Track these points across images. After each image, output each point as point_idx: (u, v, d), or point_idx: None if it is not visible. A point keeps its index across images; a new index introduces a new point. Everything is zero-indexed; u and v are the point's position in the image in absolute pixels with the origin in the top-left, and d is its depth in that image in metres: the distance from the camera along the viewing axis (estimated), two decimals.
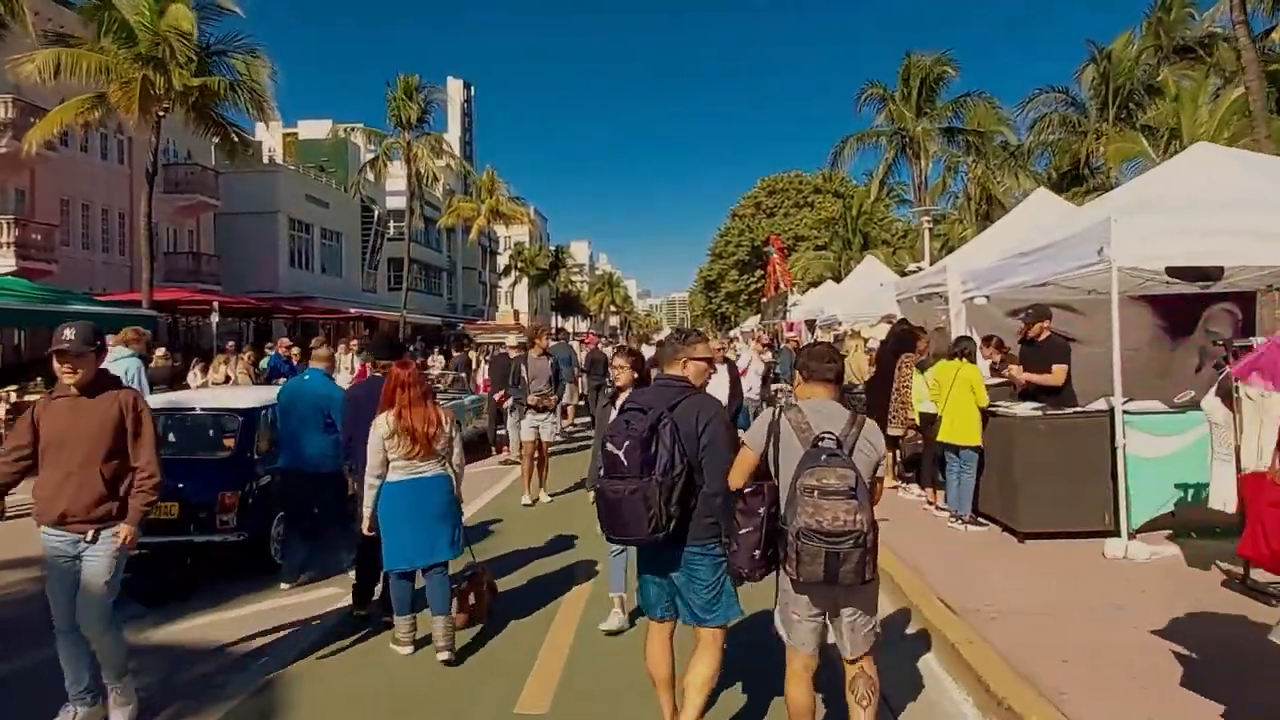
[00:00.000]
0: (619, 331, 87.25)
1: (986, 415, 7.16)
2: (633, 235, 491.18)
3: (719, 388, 8.46)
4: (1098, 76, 30.83)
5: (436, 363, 17.89)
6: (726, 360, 9.99)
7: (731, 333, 43.91)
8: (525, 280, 67.25)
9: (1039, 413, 6.75)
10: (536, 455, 9.78)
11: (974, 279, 8.89)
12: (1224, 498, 5.11)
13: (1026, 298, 9.56)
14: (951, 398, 7.17)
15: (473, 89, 73.23)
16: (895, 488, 9.04)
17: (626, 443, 3.35)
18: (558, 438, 11.05)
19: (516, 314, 37.46)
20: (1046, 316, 7.31)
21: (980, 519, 7.26)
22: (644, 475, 3.30)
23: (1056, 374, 7.21)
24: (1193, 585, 5.54)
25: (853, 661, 3.31)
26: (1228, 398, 5.06)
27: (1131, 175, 20.59)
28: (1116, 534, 6.60)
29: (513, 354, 11.61)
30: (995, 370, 8.08)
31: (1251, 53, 14.05)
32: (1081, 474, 6.61)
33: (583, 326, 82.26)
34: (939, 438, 7.36)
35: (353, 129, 39.72)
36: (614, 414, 4.12)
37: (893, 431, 8.71)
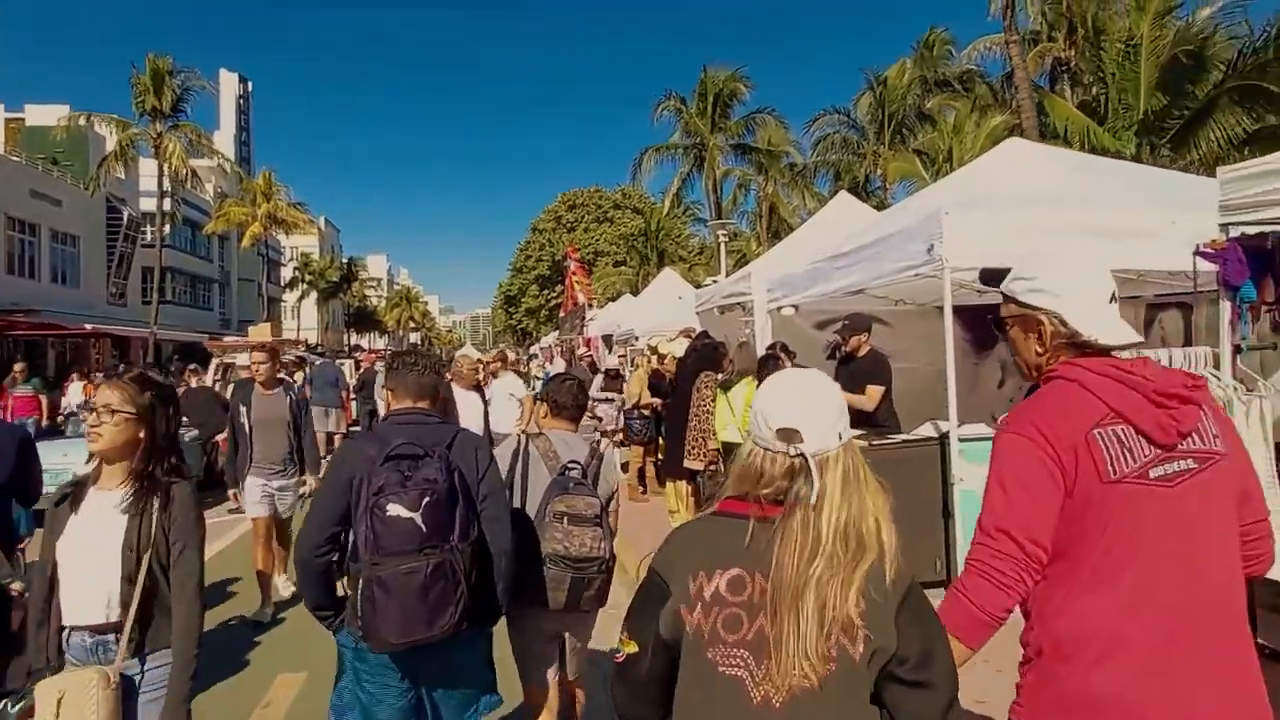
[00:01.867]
0: (420, 347, 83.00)
1: None
2: (437, 251, 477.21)
3: (472, 418, 6.86)
4: (874, 102, 32.41)
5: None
6: (478, 386, 8.48)
7: (532, 349, 42.52)
8: (314, 294, 62.21)
9: (863, 442, 5.66)
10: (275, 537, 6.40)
11: (782, 287, 7.84)
12: None
13: (834, 309, 8.71)
14: None
15: (250, 85, 67.11)
16: None
17: (427, 499, 2.53)
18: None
19: (273, 325, 33.58)
20: (866, 329, 6.31)
21: None
22: (446, 542, 2.57)
23: (870, 395, 6.20)
24: None
25: (573, 681, 3.47)
26: None
27: (905, 195, 21.35)
28: (948, 583, 5.63)
29: (243, 374, 9.23)
30: None
31: (1024, 71, 14.42)
32: (910, 514, 5.56)
33: (380, 343, 77.59)
34: None
35: (94, 118, 34.32)
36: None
37: (691, 464, 7.46)
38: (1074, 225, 5.27)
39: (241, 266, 56.08)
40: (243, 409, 6.14)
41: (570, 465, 3.20)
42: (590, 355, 15.77)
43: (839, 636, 1.40)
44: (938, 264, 5.20)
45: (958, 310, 9.34)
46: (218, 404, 10.89)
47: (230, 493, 6.29)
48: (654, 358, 10.62)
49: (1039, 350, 1.84)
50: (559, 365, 21.67)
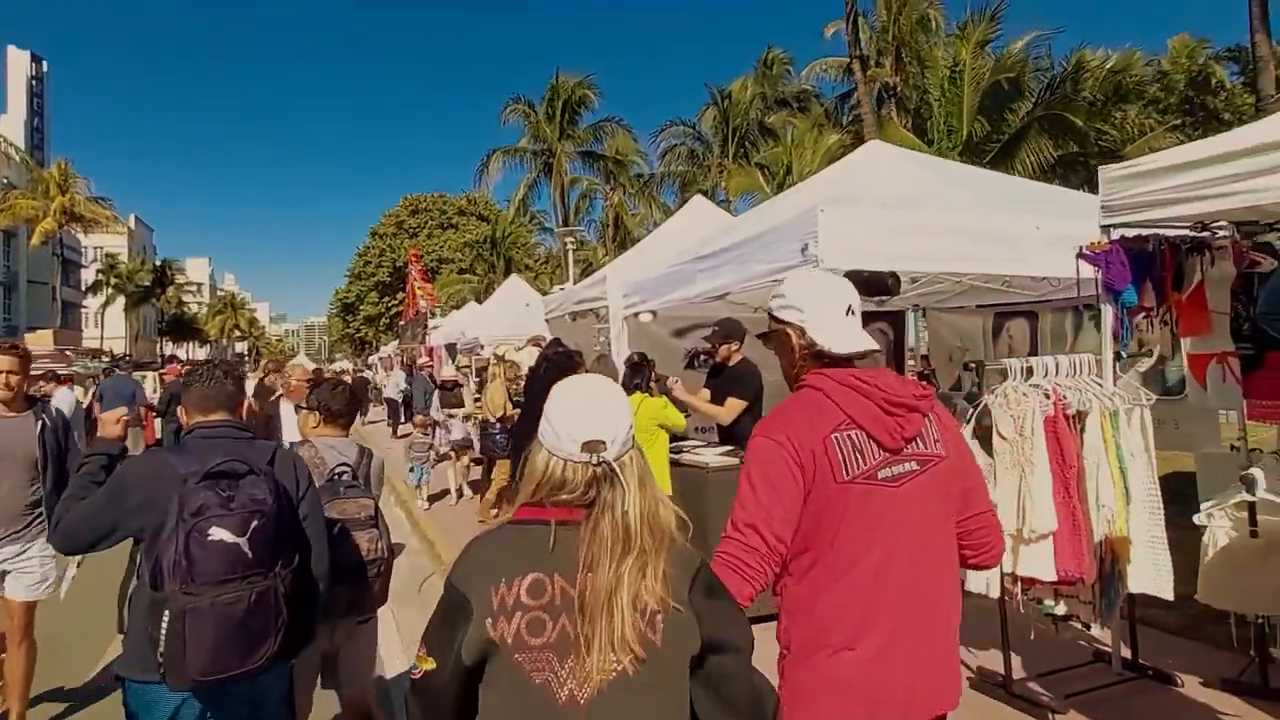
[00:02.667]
0: (247, 359, 77.40)
1: (673, 462, 5.51)
2: (268, 256, 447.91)
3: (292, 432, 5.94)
4: (719, 116, 33.04)
5: None
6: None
7: (370, 359, 40.37)
8: (122, 299, 56.56)
9: (735, 459, 5.22)
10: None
11: (638, 291, 7.35)
12: (985, 580, 3.84)
13: (693, 315, 8.31)
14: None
15: (44, 65, 60.48)
16: None
17: (255, 522, 2.29)
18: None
19: (58, 333, 29.93)
20: (738, 337, 5.87)
21: None
22: (271, 569, 2.33)
23: (727, 408, 5.76)
24: None
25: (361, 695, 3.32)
26: (987, 440, 3.81)
27: (747, 209, 21.76)
28: None
29: None
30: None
31: (865, 86, 14.80)
32: None
33: (201, 353, 71.60)
34: None
35: None
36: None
37: None
38: (944, 226, 5.05)
39: (32, 267, 50.22)
40: None
41: (339, 469, 3.15)
42: (431, 365, 14.76)
43: (648, 623, 1.45)
44: (812, 265, 4.82)
45: None
46: None
47: None
48: (508, 366, 9.89)
49: (791, 361, 1.96)
50: (398, 376, 20.47)
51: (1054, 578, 3.77)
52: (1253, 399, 4.22)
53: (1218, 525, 3.87)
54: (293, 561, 2.43)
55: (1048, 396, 3.84)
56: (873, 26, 24.65)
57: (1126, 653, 4.24)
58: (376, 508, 3.15)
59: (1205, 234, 4.12)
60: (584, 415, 1.52)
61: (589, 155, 35.25)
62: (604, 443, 1.49)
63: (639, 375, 5.50)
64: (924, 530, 1.83)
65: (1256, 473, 3.84)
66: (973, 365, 3.98)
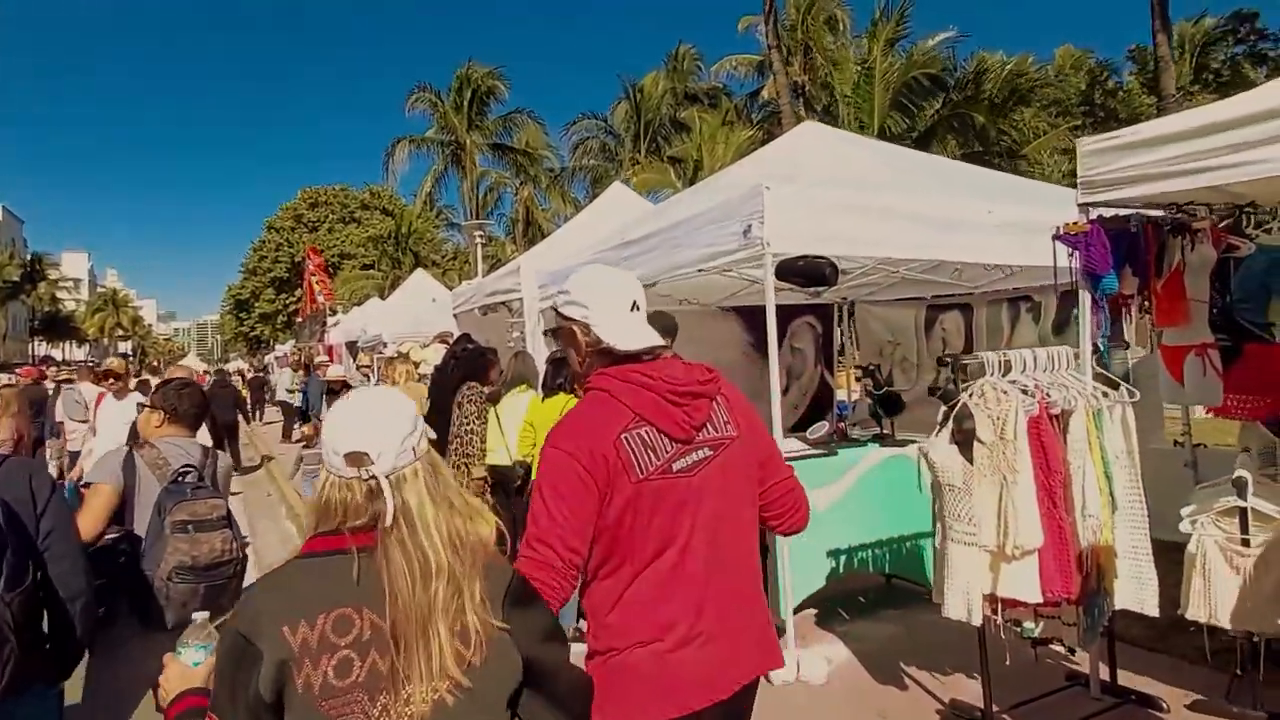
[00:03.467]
0: (131, 359, 72.72)
1: None
2: (155, 251, 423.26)
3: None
4: (631, 109, 32.62)
5: None
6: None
7: (267, 358, 38.33)
8: None
9: None
10: None
11: (557, 281, 6.70)
12: (966, 605, 3.37)
13: None
14: None
15: None
16: None
17: None
18: None
19: None
20: (671, 332, 5.29)
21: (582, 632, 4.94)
22: None
23: None
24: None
25: None
26: (967, 445, 3.35)
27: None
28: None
29: None
30: None
31: (784, 76, 14.52)
32: None
33: (79, 353, 66.78)
34: None
35: None
36: None
37: None
38: (893, 209, 4.63)
39: None
40: None
41: (184, 470, 3.01)
42: (328, 364, 13.73)
43: (468, 646, 1.37)
44: (757, 248, 4.32)
45: (738, 310, 8.85)
46: None
47: None
48: (414, 368, 9.06)
49: (579, 359, 1.94)
50: (286, 377, 19.29)
51: (1039, 599, 3.34)
52: (1228, 393, 3.91)
53: (1207, 535, 3.52)
54: (19, 584, 2.16)
55: (1031, 395, 3.41)
56: (782, 25, 24.62)
57: (1104, 673, 3.87)
58: (228, 508, 3.04)
59: (1182, 215, 3.78)
60: (348, 427, 1.44)
61: (499, 148, 34.27)
62: (367, 455, 1.39)
63: (562, 373, 4.88)
64: (723, 513, 1.83)
65: (1246, 475, 3.51)
66: (949, 359, 3.49)
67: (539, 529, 1.75)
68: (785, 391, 8.78)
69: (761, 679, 4.18)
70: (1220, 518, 3.56)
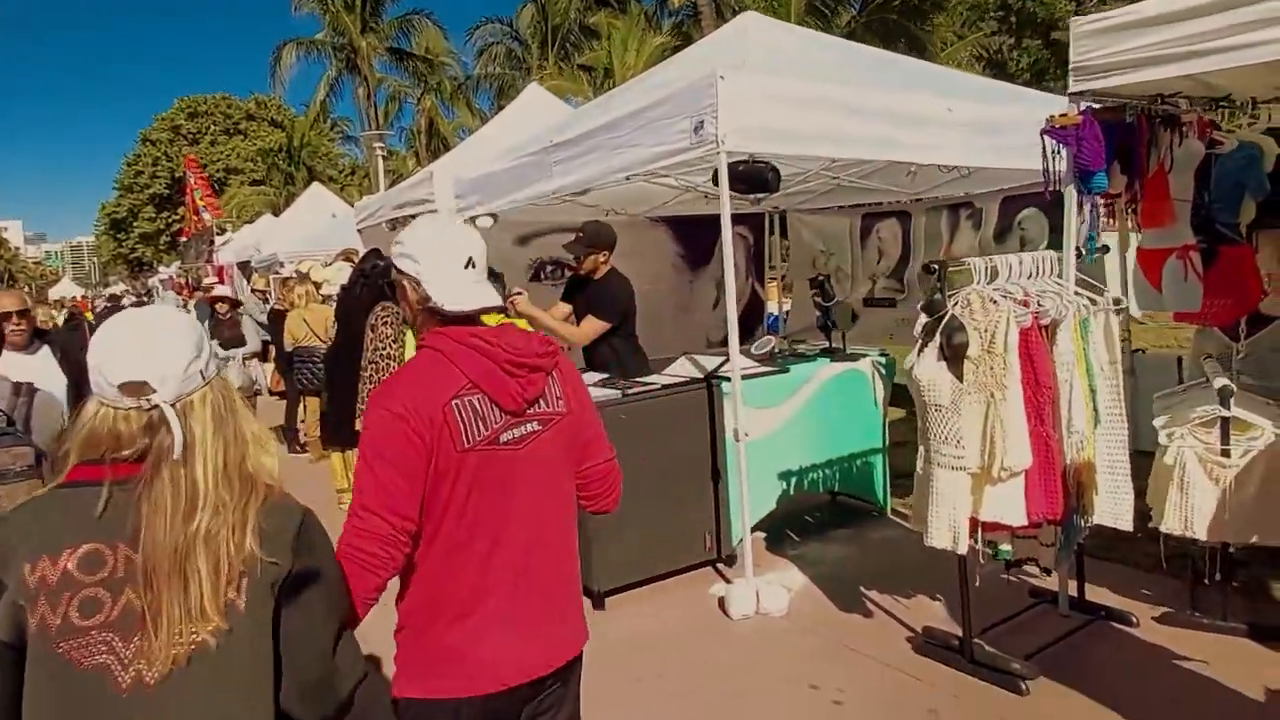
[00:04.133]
0: None
1: None
2: (19, 168, 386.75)
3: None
4: (537, 13, 30.98)
5: None
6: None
7: (151, 281, 35.89)
8: None
9: (615, 392, 4.24)
10: None
11: (475, 191, 6.11)
12: (952, 533, 3.13)
13: (536, 220, 7.21)
14: None
15: None
16: None
17: None
18: None
19: None
20: (607, 245, 4.81)
21: None
22: None
23: (583, 330, 4.74)
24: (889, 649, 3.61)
25: None
26: (957, 361, 3.05)
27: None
28: (719, 560, 4.53)
29: None
30: None
31: None
32: (672, 479, 4.32)
33: None
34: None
35: None
36: None
37: None
38: (858, 104, 4.23)
39: None
40: None
41: None
42: (218, 287, 12.64)
43: (233, 586, 1.28)
44: (710, 147, 3.85)
45: (668, 221, 8.41)
46: None
47: None
48: (315, 289, 8.31)
49: (411, 315, 1.86)
50: (170, 300, 18.00)
51: (1024, 522, 3.13)
52: (1205, 297, 3.74)
53: (1186, 446, 3.37)
54: None
55: (1023, 304, 3.13)
56: None
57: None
58: (39, 455, 2.72)
59: (1168, 107, 3.51)
60: (123, 352, 1.31)
61: (397, 53, 32.19)
62: (147, 384, 1.29)
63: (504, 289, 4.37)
64: (545, 489, 1.80)
65: (1230, 384, 3.35)
66: (935, 266, 3.15)
67: (365, 497, 1.64)
68: (715, 305, 8.49)
69: (721, 614, 3.91)
70: (1198, 429, 3.41)
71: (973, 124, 4.63)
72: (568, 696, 1.87)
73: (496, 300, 1.80)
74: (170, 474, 1.28)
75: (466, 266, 1.76)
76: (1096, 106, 3.35)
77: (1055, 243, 6.13)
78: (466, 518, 1.69)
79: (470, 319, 1.77)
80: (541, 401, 1.79)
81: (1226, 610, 3.49)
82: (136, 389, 1.29)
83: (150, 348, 1.32)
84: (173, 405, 1.30)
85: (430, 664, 1.72)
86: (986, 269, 3.19)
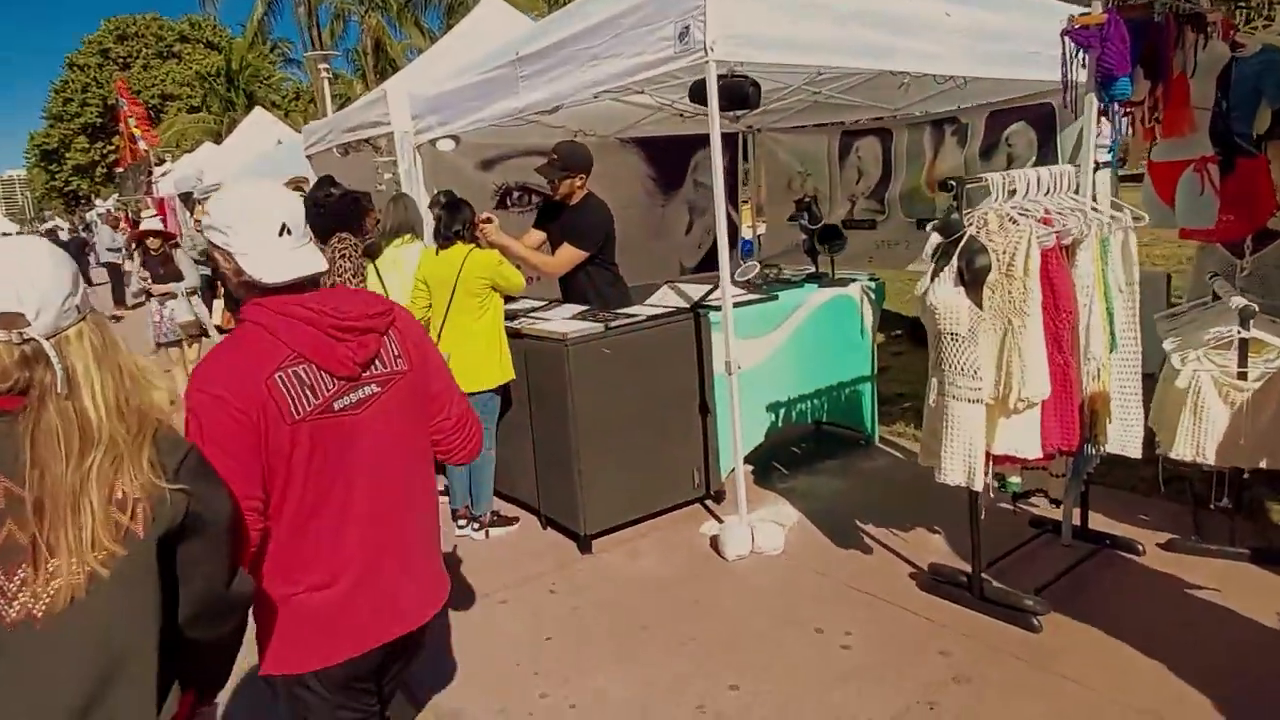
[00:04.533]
0: None
1: (513, 333, 4.17)
2: None
3: None
4: None
5: None
6: None
7: (89, 215, 34.33)
8: None
9: (598, 325, 3.97)
10: None
11: (435, 111, 5.67)
12: (967, 469, 2.96)
13: (500, 143, 6.79)
14: (457, 310, 3.97)
15: None
16: None
17: None
18: None
19: None
20: (582, 167, 4.46)
21: (506, 518, 4.36)
22: None
23: (559, 259, 4.44)
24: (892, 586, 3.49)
25: None
26: (976, 286, 2.83)
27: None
28: (708, 497, 4.36)
29: None
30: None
31: None
32: (658, 414, 4.11)
33: None
34: None
35: None
36: None
37: None
38: (854, 9, 3.89)
39: None
40: None
41: None
42: (146, 221, 11.96)
43: (127, 513, 1.27)
44: (696, 56, 3.52)
45: (639, 142, 8.01)
46: None
47: None
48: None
49: (232, 288, 1.79)
50: (105, 235, 17.38)
51: (1039, 455, 2.98)
52: (1220, 212, 3.56)
53: (1202, 369, 3.22)
54: None
55: (1044, 223, 2.90)
56: None
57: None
58: None
59: (1191, 4, 3.25)
60: None
61: None
62: (22, 315, 1.25)
63: (459, 219, 4.03)
64: (392, 451, 1.77)
65: (1251, 305, 3.19)
66: (954, 183, 2.89)
67: None
68: (688, 230, 8.18)
69: (714, 554, 3.75)
70: (1213, 351, 3.27)
71: (972, 30, 4.33)
72: (421, 642, 1.90)
73: (318, 266, 1.70)
74: (58, 408, 1.25)
75: (281, 234, 1.67)
76: (1123, 5, 3.08)
77: (1043, 159, 5.99)
78: (311, 488, 1.67)
79: (296, 287, 1.68)
80: (378, 363, 1.75)
81: (1234, 535, 3.41)
82: (10, 320, 1.24)
83: (24, 276, 1.26)
84: (49, 339, 1.26)
85: (292, 637, 1.71)
86: (1004, 185, 2.95)
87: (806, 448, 5.13)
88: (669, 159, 7.63)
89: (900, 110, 6.56)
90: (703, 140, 7.95)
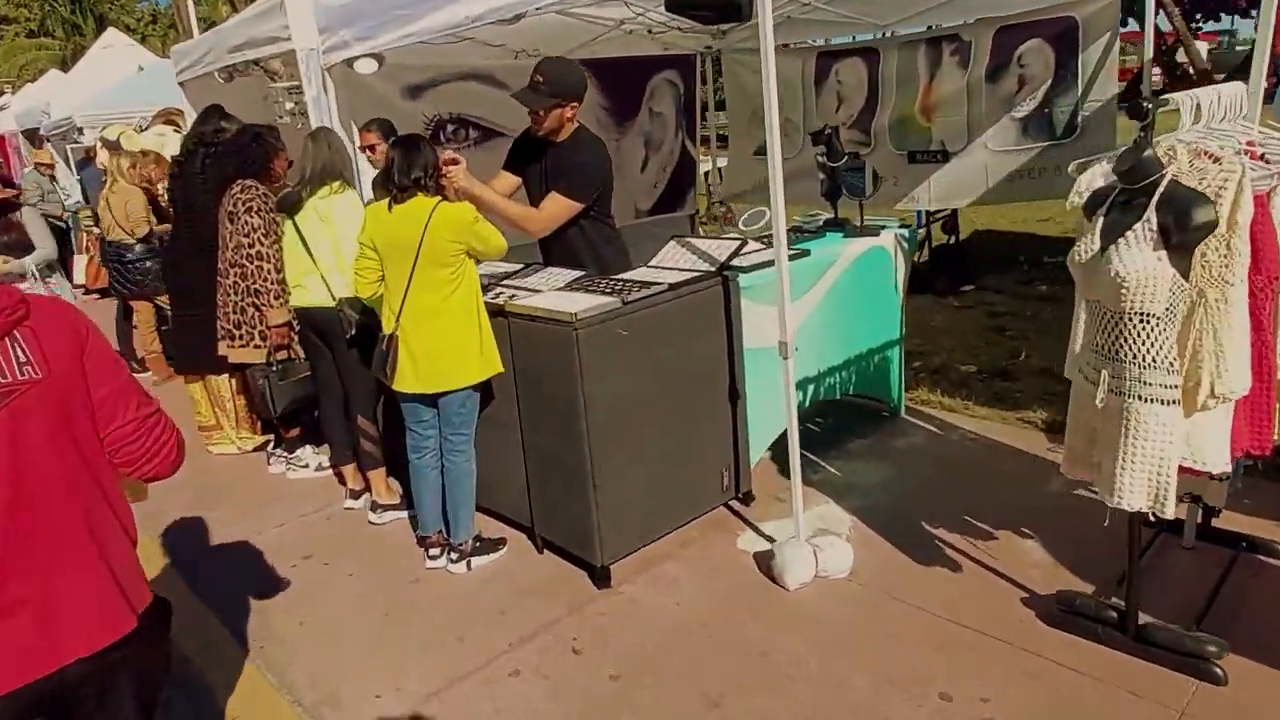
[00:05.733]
0: None
1: (498, 311, 3.23)
2: None
3: None
4: None
5: None
6: None
7: None
8: None
9: (612, 299, 3.06)
10: None
11: (348, 24, 4.52)
12: (1155, 489, 2.26)
13: (434, 64, 5.68)
14: (421, 285, 3.00)
15: None
16: (268, 454, 4.66)
17: None
18: None
19: None
20: (575, 93, 3.44)
21: (490, 540, 3.49)
22: None
23: (545, 211, 3.47)
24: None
25: None
26: (1186, 251, 2.08)
27: None
28: (738, 498, 3.61)
29: None
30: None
31: None
32: (689, 406, 3.29)
33: None
34: (397, 385, 3.17)
35: None
36: None
37: (239, 354, 4.20)
38: None
39: None
40: None
41: None
42: None
43: None
44: None
45: (591, 65, 6.94)
46: None
47: None
48: (143, 160, 6.46)
49: None
50: None
51: (1227, 467, 2.31)
52: None
53: None
54: None
55: (1253, 159, 2.18)
56: None
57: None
58: None
59: None
60: None
61: None
62: None
63: (418, 163, 3.00)
64: (31, 473, 1.51)
65: None
66: (1146, 105, 2.11)
67: None
68: (643, 167, 7.26)
69: (763, 577, 2.96)
70: None
71: None
72: (115, 688, 1.63)
73: None
74: None
75: None
76: None
77: (1060, 84, 5.33)
78: None
79: None
80: None
81: None
82: None
83: None
84: None
85: None
86: (1193, 107, 2.21)
87: (826, 423, 4.40)
88: (622, 85, 6.65)
89: (891, 25, 5.79)
90: (659, 63, 7.05)
